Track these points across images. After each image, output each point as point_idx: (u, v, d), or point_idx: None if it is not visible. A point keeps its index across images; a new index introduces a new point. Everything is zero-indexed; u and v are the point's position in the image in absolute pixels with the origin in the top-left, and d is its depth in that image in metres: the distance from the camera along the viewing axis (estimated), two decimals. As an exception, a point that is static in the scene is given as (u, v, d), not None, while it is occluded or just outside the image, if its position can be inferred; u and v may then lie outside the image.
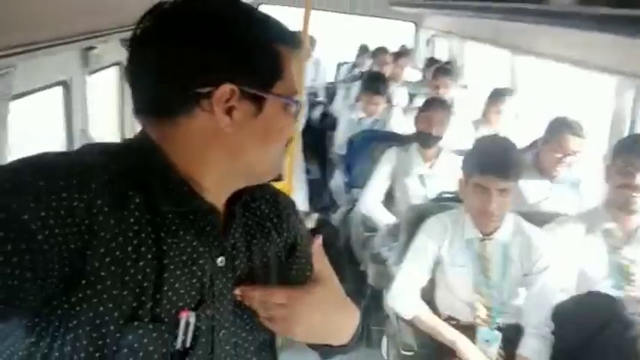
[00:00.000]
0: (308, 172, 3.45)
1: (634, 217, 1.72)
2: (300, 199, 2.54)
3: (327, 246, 2.63)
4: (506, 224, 1.69)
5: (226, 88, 0.63)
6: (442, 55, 4.58)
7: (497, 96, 2.96)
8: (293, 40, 0.71)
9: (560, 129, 2.13)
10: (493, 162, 1.61)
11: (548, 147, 2.18)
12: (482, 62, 4.00)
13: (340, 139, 3.24)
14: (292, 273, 0.84)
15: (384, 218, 2.38)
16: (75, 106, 1.59)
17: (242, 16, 0.67)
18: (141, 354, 0.62)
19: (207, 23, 0.65)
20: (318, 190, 3.00)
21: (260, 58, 0.67)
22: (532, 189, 2.17)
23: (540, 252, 1.68)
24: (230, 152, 0.67)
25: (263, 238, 0.81)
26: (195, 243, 0.67)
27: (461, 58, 4.15)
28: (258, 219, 0.81)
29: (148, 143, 0.68)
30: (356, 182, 2.75)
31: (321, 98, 4.94)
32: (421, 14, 4.77)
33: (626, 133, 2.14)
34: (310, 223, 2.54)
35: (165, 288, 0.64)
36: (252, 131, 0.67)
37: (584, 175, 2.26)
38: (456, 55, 4.26)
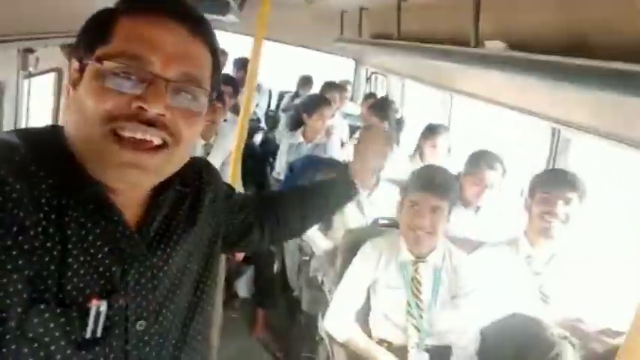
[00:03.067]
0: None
1: (551, 243, 1.85)
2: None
3: (260, 271, 2.60)
4: (438, 248, 1.76)
5: (71, 65, 0.66)
6: (381, 92, 4.79)
7: (431, 131, 3.11)
8: (140, 5, 0.65)
9: (478, 162, 2.30)
10: (427, 181, 1.71)
11: (469, 179, 2.33)
12: (419, 99, 4.24)
13: (280, 163, 3.25)
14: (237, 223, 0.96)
15: (321, 243, 2.38)
16: (7, 107, 1.49)
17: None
18: (46, 339, 0.60)
19: None
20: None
21: (87, 27, 0.67)
22: (458, 219, 2.28)
23: (467, 276, 1.75)
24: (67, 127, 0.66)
25: (201, 221, 0.82)
26: (98, 230, 0.66)
27: (399, 95, 4.36)
28: (191, 198, 0.82)
29: (58, 127, 0.68)
30: (294, 207, 2.74)
31: (262, 124, 4.96)
32: (363, 52, 4.98)
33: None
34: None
35: (69, 274, 0.62)
36: (74, 101, 0.65)
37: (505, 207, 2.41)
38: (393, 92, 4.47)
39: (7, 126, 1.48)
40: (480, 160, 2.30)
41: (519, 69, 1.73)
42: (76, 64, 0.65)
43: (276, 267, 2.64)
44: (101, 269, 0.65)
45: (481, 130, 3.80)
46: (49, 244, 0.60)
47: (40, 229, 0.60)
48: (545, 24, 1.68)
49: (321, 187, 1.16)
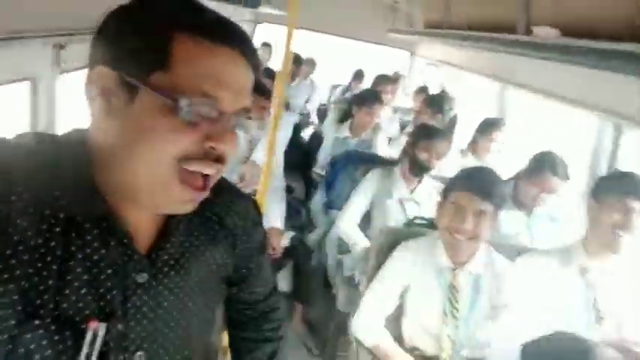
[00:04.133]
0: (292, 190, 3.40)
1: (613, 256, 1.67)
2: (275, 216, 2.48)
3: (298, 266, 2.57)
4: (479, 255, 1.64)
5: (100, 70, 0.59)
6: (435, 84, 4.61)
7: (488, 126, 2.93)
8: (201, 29, 0.59)
9: (542, 166, 2.12)
10: (473, 181, 1.58)
11: (528, 182, 2.17)
12: (474, 92, 4.02)
13: (323, 158, 3.21)
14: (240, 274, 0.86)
15: (359, 241, 2.32)
16: (41, 104, 1.54)
17: (140, 2, 0.61)
18: (37, 356, 0.58)
19: (112, 13, 0.62)
20: (297, 209, 2.94)
21: (141, 42, 0.58)
22: (508, 221, 2.13)
23: (510, 286, 1.62)
24: (111, 147, 0.61)
25: (219, 251, 0.78)
26: (103, 251, 0.63)
27: (453, 87, 4.17)
28: (221, 231, 0.77)
29: (82, 137, 0.64)
30: (335, 203, 2.70)
31: (312, 119, 4.95)
32: (416, 43, 4.82)
33: (603, 171, 2.12)
34: (285, 241, 2.47)
35: (67, 291, 0.60)
36: (121, 123, 0.59)
37: (562, 210, 2.22)
38: (447, 85, 4.28)
39: (42, 123, 1.53)
40: (544, 164, 2.12)
41: (573, 57, 1.57)
42: (113, 76, 0.58)
43: (313, 262, 2.61)
44: (102, 291, 0.63)
45: (538, 124, 3.53)
46: (49, 258, 0.59)
47: (41, 240, 0.58)
48: (600, 8, 1.50)
49: None
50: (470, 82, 3.97)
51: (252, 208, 0.84)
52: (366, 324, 1.67)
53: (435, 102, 3.37)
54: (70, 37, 1.47)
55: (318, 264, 2.60)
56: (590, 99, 1.95)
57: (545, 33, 1.76)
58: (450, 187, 1.63)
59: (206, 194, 0.64)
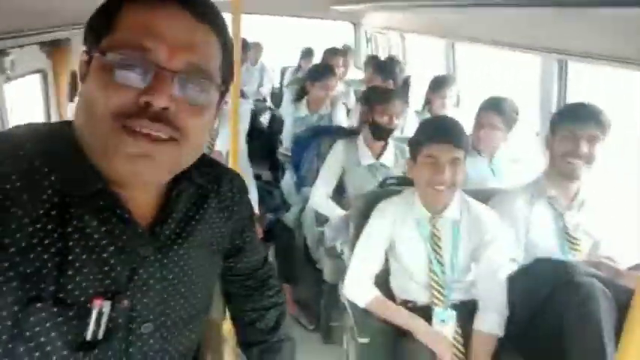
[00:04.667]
0: (259, 177, 3.39)
1: (575, 184, 1.77)
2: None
3: (280, 247, 2.57)
4: (455, 202, 1.69)
5: (81, 50, 0.64)
6: (383, 52, 4.66)
7: (438, 84, 3.00)
8: None
9: (488, 109, 2.22)
10: (444, 131, 1.61)
11: (480, 126, 2.26)
12: (422, 54, 4.10)
13: (287, 138, 3.21)
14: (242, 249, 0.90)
15: (335, 211, 2.35)
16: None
17: None
18: (43, 339, 0.59)
19: None
20: (269, 191, 2.95)
21: (93, 18, 0.63)
22: (473, 167, 2.21)
23: (487, 226, 1.69)
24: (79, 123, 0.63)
25: (216, 222, 0.80)
26: (103, 229, 0.63)
27: (401, 52, 4.23)
28: (217, 202, 0.79)
29: (69, 123, 0.65)
30: (306, 180, 2.71)
31: (268, 103, 4.91)
32: (359, 14, 4.83)
33: (554, 107, 2.23)
34: (263, 226, 2.48)
35: (70, 272, 0.60)
36: (81, 94, 0.62)
37: (520, 150, 2.32)
38: (396, 50, 4.34)
39: None
40: (491, 106, 2.22)
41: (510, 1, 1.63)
42: (84, 56, 0.62)
43: (295, 242, 2.63)
44: (106, 269, 0.63)
45: (487, 75, 3.65)
46: (47, 242, 0.59)
47: (39, 225, 0.58)
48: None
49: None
50: (416, 44, 4.04)
51: (239, 180, 0.87)
52: (357, 284, 1.71)
53: (385, 67, 3.41)
54: (11, 41, 1.40)
55: (299, 242, 2.62)
56: (533, 40, 2.04)
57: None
58: (420, 140, 1.66)
59: (162, 151, 0.60)
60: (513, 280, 1.68)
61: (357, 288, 1.71)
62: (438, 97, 2.99)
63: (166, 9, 0.60)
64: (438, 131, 1.63)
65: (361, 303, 1.68)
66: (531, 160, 2.29)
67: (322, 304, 2.43)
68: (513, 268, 1.72)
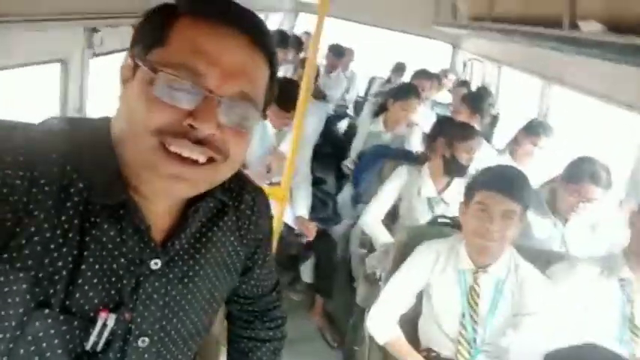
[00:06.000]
0: (323, 182, 3.39)
1: None
2: (301, 206, 2.47)
3: (322, 258, 2.54)
4: (503, 259, 1.57)
5: (126, 61, 0.61)
6: (477, 79, 4.45)
7: (534, 129, 2.71)
8: (204, 8, 0.59)
9: (581, 173, 1.97)
10: (500, 180, 1.50)
11: (565, 188, 2.03)
12: (516, 89, 3.85)
13: (355, 150, 3.17)
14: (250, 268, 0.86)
15: (382, 236, 2.28)
16: (72, 87, 1.58)
17: None
18: (44, 345, 0.59)
19: None
20: (325, 201, 2.93)
21: (145, 23, 0.61)
22: (542, 227, 2.03)
23: (534, 293, 1.54)
24: (118, 130, 0.62)
25: (231, 241, 0.78)
26: (119, 239, 0.63)
27: (494, 83, 4.01)
28: (234, 219, 0.78)
29: (108, 122, 0.65)
30: (363, 197, 2.67)
31: (349, 110, 4.90)
32: (460, 36, 4.66)
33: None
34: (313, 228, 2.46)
35: (80, 281, 0.61)
36: (122, 101, 0.61)
37: (601, 218, 2.08)
38: (490, 80, 4.12)
39: (73, 105, 1.58)
40: (584, 169, 1.96)
41: (620, 55, 1.46)
42: (129, 61, 0.60)
43: (337, 256, 2.60)
44: (114, 279, 0.63)
45: (580, 125, 3.33)
46: (65, 249, 0.59)
47: (59, 231, 0.58)
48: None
49: None
50: (513, 79, 3.80)
51: (261, 199, 0.84)
52: (381, 320, 1.64)
53: (474, 100, 3.23)
54: (104, 21, 1.50)
55: (342, 257, 2.59)
56: (635, 99, 1.82)
57: (591, 28, 1.65)
58: (475, 186, 1.56)
59: (198, 174, 0.59)
60: (553, 357, 1.51)
61: (380, 324, 1.64)
62: (529, 141, 2.70)
63: (226, 31, 0.58)
64: (494, 179, 1.51)
65: (380, 340, 1.62)
66: (611, 232, 2.05)
67: (350, 325, 2.37)
68: (555, 344, 1.54)
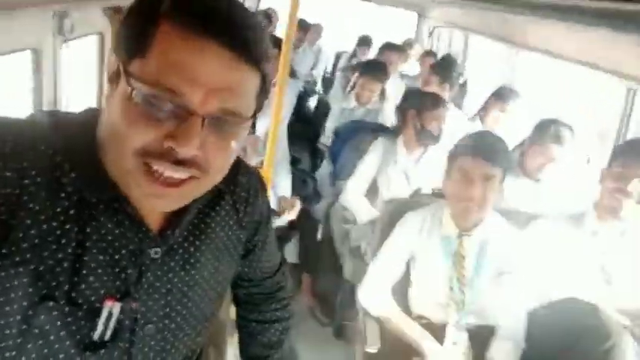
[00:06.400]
0: (298, 161, 3.38)
1: (620, 222, 1.65)
2: (283, 186, 2.47)
3: (305, 237, 2.56)
4: (485, 221, 1.62)
5: (110, 57, 0.59)
6: (444, 48, 4.48)
7: (501, 96, 2.81)
8: (187, 17, 0.54)
9: (545, 135, 2.06)
10: (480, 146, 1.55)
11: (532, 150, 2.13)
12: (484, 57, 3.90)
13: (329, 128, 3.17)
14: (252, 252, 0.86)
15: (365, 211, 2.31)
16: (45, 77, 1.51)
17: None
18: (52, 337, 0.60)
19: None
20: (304, 179, 2.93)
21: (128, 28, 0.57)
22: (515, 188, 2.10)
23: (517, 252, 1.61)
24: (104, 131, 0.60)
25: (230, 225, 0.78)
26: (117, 231, 0.63)
27: (462, 51, 4.05)
28: (231, 203, 0.77)
29: (94, 117, 0.63)
30: (341, 174, 2.68)
31: (318, 87, 4.86)
32: (426, 4, 4.66)
33: (612, 136, 2.07)
34: (297, 206, 2.47)
35: (85, 272, 0.61)
36: (108, 105, 0.59)
37: (570, 176, 2.18)
38: (457, 49, 4.16)
39: (47, 95, 1.50)
40: (548, 130, 2.05)
41: (586, 18, 1.50)
42: (114, 59, 0.58)
43: (320, 234, 2.62)
44: (117, 270, 0.64)
45: (548, 89, 3.43)
46: (63, 241, 0.59)
47: (55, 223, 0.58)
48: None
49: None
50: (479, 46, 3.85)
51: (255, 180, 0.83)
52: (373, 293, 1.68)
53: (443, 69, 3.26)
54: (73, 4, 1.43)
55: (325, 235, 2.61)
56: (602, 60, 1.88)
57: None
58: (456, 152, 1.60)
59: (179, 192, 0.59)
60: (538, 315, 1.60)
61: (373, 296, 1.68)
62: (497, 108, 2.82)
63: (204, 48, 0.54)
64: (475, 144, 1.55)
65: (374, 312, 1.66)
66: (579, 189, 2.15)
67: (338, 301, 2.42)
68: (538, 300, 1.63)
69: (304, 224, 2.54)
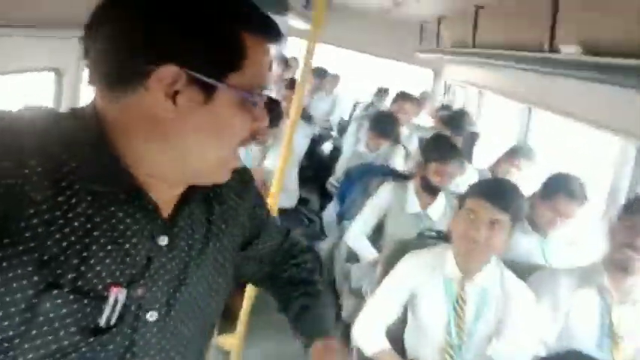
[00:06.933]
0: (307, 202, 3.41)
1: (631, 279, 1.61)
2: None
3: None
4: (489, 267, 1.59)
5: (170, 70, 0.59)
6: (458, 104, 4.59)
7: (515, 152, 2.82)
8: (264, 30, 0.64)
9: (556, 189, 2.04)
10: (490, 189, 1.55)
11: (543, 205, 2.10)
12: (497, 113, 3.98)
13: (340, 169, 3.21)
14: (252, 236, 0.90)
15: (367, 252, 2.29)
16: (65, 96, 1.58)
17: None
18: (57, 325, 0.59)
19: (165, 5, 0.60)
20: (311, 218, 2.94)
21: (215, 43, 0.61)
22: (522, 242, 2.07)
23: (518, 302, 1.57)
24: (168, 139, 0.63)
25: (227, 218, 0.80)
26: (128, 220, 0.65)
27: (475, 107, 4.13)
28: (222, 200, 0.80)
29: (91, 113, 0.65)
30: (348, 214, 2.68)
31: (333, 133, 4.97)
32: (442, 63, 4.82)
33: (624, 193, 2.05)
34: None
35: (92, 260, 0.61)
36: (197, 121, 0.62)
37: (580, 233, 2.15)
38: (471, 105, 4.25)
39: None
40: (560, 186, 2.03)
41: (595, 75, 1.54)
42: (183, 75, 0.59)
43: (323, 272, 2.59)
44: (126, 258, 0.64)
45: (561, 145, 3.46)
46: (67, 230, 0.59)
47: (58, 213, 0.58)
48: (628, 26, 1.48)
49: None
50: (493, 104, 3.93)
51: (241, 172, 0.86)
52: (367, 331, 1.64)
53: (453, 120, 3.32)
54: None
55: (327, 274, 2.58)
56: (612, 120, 1.91)
57: (570, 50, 1.75)
58: (467, 194, 1.61)
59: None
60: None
61: (367, 335, 1.64)
62: (509, 163, 2.80)
63: (271, 50, 0.68)
64: (487, 189, 1.56)
65: (368, 351, 1.61)
66: (589, 246, 2.11)
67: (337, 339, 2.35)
68: (540, 352, 1.57)
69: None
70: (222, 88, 0.61)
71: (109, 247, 0.62)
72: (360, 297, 2.18)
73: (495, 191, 1.54)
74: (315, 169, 3.99)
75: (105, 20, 0.62)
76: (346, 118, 5.36)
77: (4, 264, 0.55)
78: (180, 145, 0.63)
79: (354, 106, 5.40)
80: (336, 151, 4.31)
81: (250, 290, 2.09)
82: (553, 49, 1.93)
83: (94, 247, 0.61)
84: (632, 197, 1.82)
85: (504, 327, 1.56)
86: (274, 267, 0.99)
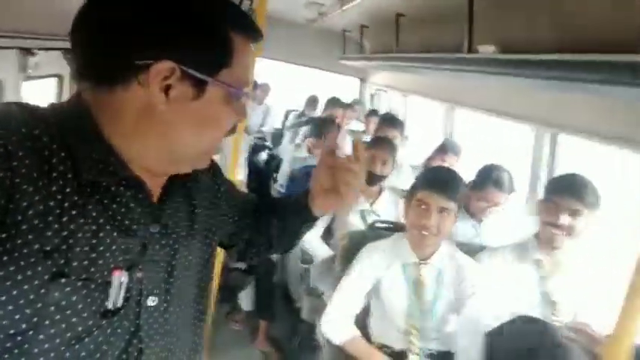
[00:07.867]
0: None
1: (558, 252, 1.81)
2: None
3: (260, 282, 2.56)
4: (442, 250, 1.73)
5: (165, 65, 0.62)
6: (384, 108, 4.83)
7: (444, 148, 3.07)
8: (251, 31, 0.70)
9: (486, 181, 2.25)
10: (436, 180, 1.69)
11: (475, 195, 2.30)
12: (422, 115, 4.25)
13: (283, 176, 3.26)
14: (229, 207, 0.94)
15: (321, 251, 2.36)
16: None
17: None
18: (69, 311, 0.61)
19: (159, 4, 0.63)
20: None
21: (209, 41, 0.65)
22: (461, 229, 2.25)
23: (471, 278, 1.72)
24: (160, 131, 0.66)
25: (205, 194, 0.84)
26: (123, 209, 0.67)
27: (402, 111, 4.39)
28: (197, 175, 0.82)
29: (80, 107, 0.66)
30: (296, 217, 2.72)
31: (267, 142, 5.00)
32: (367, 70, 5.05)
33: (543, 176, 2.31)
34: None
35: (95, 248, 0.63)
36: (187, 114, 0.66)
37: (511, 215, 2.37)
38: (396, 108, 4.50)
39: None
40: (489, 177, 2.24)
41: (511, 70, 1.74)
42: (178, 71, 0.62)
43: (275, 277, 2.61)
44: (125, 246, 0.66)
45: (483, 140, 3.80)
46: (65, 219, 0.59)
47: (52, 203, 0.59)
48: (538, 25, 1.69)
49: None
50: (418, 105, 4.20)
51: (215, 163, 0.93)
52: (336, 322, 1.70)
53: (392, 119, 3.52)
54: (39, 42, 1.45)
55: (280, 279, 2.60)
56: (528, 112, 2.15)
57: (488, 50, 1.95)
58: (415, 186, 1.73)
59: None
60: (493, 336, 1.68)
61: (336, 325, 1.70)
62: (440, 159, 3.03)
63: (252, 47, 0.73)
64: (433, 179, 1.70)
65: (337, 340, 1.67)
66: (518, 228, 2.34)
67: (297, 343, 2.38)
68: (494, 324, 1.72)
69: (260, 269, 2.53)
70: (212, 84, 0.65)
71: (109, 234, 0.64)
72: (318, 296, 2.23)
73: (441, 182, 1.68)
74: (255, 179, 4.00)
75: (99, 16, 0.63)
76: (279, 127, 5.41)
77: (5, 258, 0.55)
78: (169, 136, 0.66)
79: (286, 115, 5.47)
80: (272, 160, 4.35)
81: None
82: (471, 50, 2.15)
83: (95, 234, 0.63)
84: (550, 181, 2.04)
85: (461, 303, 1.69)
86: (258, 210, 1.03)
